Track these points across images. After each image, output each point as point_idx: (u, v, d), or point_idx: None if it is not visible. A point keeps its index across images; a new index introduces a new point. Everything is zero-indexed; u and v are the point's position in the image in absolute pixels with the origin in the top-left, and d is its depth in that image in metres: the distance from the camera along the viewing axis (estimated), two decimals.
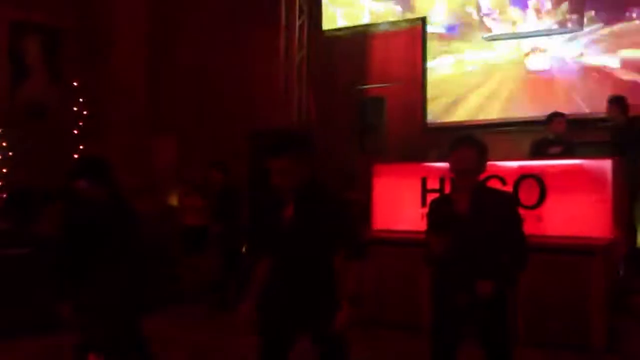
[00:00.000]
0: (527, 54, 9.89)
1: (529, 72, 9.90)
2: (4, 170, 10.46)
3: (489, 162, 3.88)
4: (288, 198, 3.52)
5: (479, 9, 10.23)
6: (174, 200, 10.92)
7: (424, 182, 7.58)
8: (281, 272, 3.56)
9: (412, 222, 7.46)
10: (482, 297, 3.56)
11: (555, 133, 7.98)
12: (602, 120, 8.26)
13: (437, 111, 10.47)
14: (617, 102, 7.87)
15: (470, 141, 3.75)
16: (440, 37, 10.52)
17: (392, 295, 7.33)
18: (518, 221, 3.77)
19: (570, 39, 9.58)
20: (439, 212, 3.81)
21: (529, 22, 9.83)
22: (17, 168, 9.99)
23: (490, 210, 3.64)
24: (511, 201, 3.96)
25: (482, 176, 3.93)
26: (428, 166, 7.74)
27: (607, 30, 9.33)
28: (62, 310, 4.19)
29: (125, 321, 3.93)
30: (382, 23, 11.03)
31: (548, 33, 9.71)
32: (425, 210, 4.16)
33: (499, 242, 3.67)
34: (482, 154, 3.73)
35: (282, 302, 3.53)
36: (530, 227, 6.84)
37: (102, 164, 4.22)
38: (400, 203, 7.81)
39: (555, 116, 8.09)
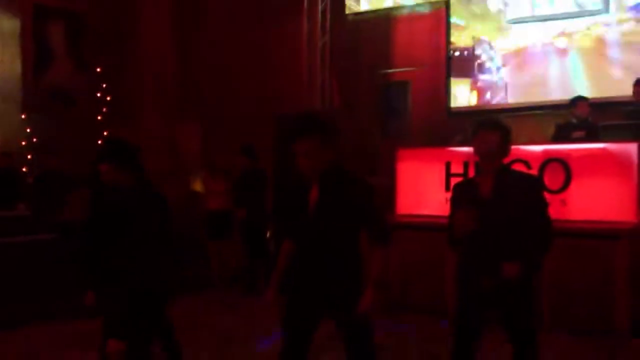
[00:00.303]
0: (552, 38, 9.78)
1: (554, 55, 9.80)
2: (29, 157, 10.58)
3: (514, 146, 3.87)
4: (313, 182, 3.53)
5: None
6: (198, 186, 10.99)
7: (447, 166, 7.55)
8: (306, 256, 3.58)
9: (436, 207, 7.45)
10: (508, 279, 3.55)
11: (579, 117, 7.91)
12: (626, 103, 8.17)
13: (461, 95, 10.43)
14: None
15: (493, 124, 3.74)
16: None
17: (416, 280, 7.34)
18: (543, 204, 3.76)
19: (596, 23, 9.46)
20: (463, 194, 3.80)
21: (554, 5, 9.73)
22: (42, 154, 10.09)
23: (514, 193, 3.63)
24: (536, 184, 3.94)
25: (507, 160, 3.92)
26: (452, 151, 7.71)
27: (632, 14, 9.20)
28: (86, 298, 4.21)
29: (148, 308, 3.85)
30: (406, 6, 10.98)
31: (572, 16, 9.59)
32: (449, 195, 4.17)
33: (523, 226, 3.67)
34: (506, 137, 3.72)
35: (307, 285, 3.55)
36: (554, 212, 6.81)
37: (128, 148, 4.05)
38: (424, 188, 7.79)
39: (578, 100, 8.01)
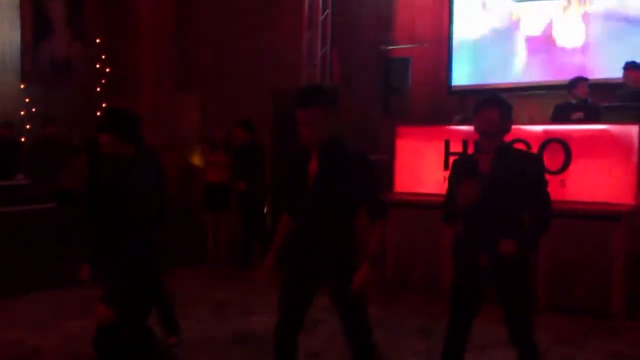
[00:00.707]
0: (551, 18, 9.68)
1: (553, 35, 9.71)
2: (28, 127, 10.55)
3: (514, 126, 3.85)
4: (312, 153, 3.53)
5: None
6: (197, 159, 10.97)
7: (447, 144, 7.55)
8: (303, 228, 3.58)
9: (434, 185, 7.45)
10: (505, 256, 3.55)
11: (579, 97, 7.87)
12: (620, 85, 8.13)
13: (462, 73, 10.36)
14: (634, 67, 7.79)
15: (494, 102, 3.71)
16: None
17: (413, 258, 7.35)
18: (543, 182, 3.74)
19: (595, 4, 9.37)
20: (463, 170, 3.78)
21: None
22: (40, 124, 10.06)
23: (514, 171, 3.61)
24: (536, 162, 3.91)
25: (508, 139, 3.90)
26: (452, 129, 7.69)
27: None
28: (81, 271, 4.13)
29: (144, 283, 3.76)
30: None
31: None
32: (448, 173, 4.15)
33: (521, 204, 3.66)
34: (507, 115, 3.69)
35: (304, 258, 3.55)
36: (553, 192, 6.81)
37: (129, 118, 3.95)
38: (422, 166, 7.78)
39: (578, 80, 7.95)
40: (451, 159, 7.11)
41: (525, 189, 3.62)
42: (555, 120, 7.84)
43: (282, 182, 3.95)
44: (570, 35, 9.46)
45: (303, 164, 3.56)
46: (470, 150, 7.02)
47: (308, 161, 3.54)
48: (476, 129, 3.74)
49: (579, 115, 7.63)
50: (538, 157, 4.13)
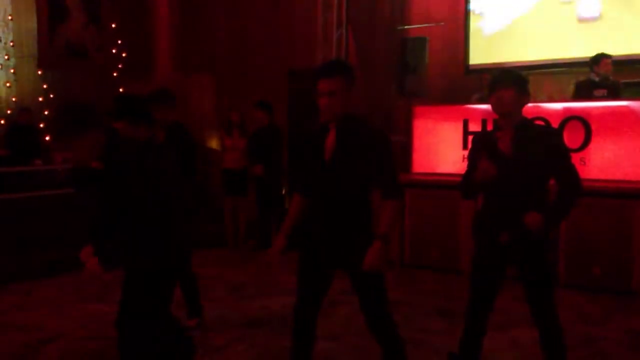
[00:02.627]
0: None
1: (575, 12, 9.57)
2: (46, 113, 10.59)
3: (534, 104, 3.77)
4: (330, 128, 3.48)
5: None
6: (213, 142, 10.97)
7: (465, 124, 7.48)
8: (319, 205, 3.54)
9: (452, 165, 7.41)
10: (531, 229, 3.48)
11: (602, 75, 7.72)
12: None
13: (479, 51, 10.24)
14: None
15: (507, 81, 3.61)
16: None
17: (431, 238, 7.32)
18: (566, 155, 3.66)
19: None
20: (483, 147, 3.71)
21: None
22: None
23: (534, 148, 3.55)
24: (556, 136, 3.82)
25: (528, 114, 3.82)
26: (470, 108, 7.63)
27: None
28: (82, 252, 3.88)
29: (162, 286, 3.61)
30: None
31: None
32: (467, 153, 4.10)
33: (544, 180, 3.60)
34: (522, 91, 3.60)
35: (319, 237, 3.51)
36: None
37: (139, 103, 4.02)
38: (440, 146, 7.73)
39: (602, 57, 7.80)
40: (470, 139, 7.05)
41: (546, 165, 3.56)
42: (577, 97, 7.72)
43: (298, 159, 3.90)
44: (589, 10, 9.30)
45: (320, 139, 3.51)
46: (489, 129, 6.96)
47: (325, 136, 3.49)
48: (493, 109, 3.68)
49: (602, 92, 7.48)
50: (557, 131, 4.03)
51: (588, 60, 7.91)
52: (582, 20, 9.35)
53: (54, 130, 3.78)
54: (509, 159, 3.57)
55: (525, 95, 3.61)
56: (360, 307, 3.54)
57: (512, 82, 3.60)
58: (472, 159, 3.77)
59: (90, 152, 3.36)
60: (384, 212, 3.42)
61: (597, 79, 7.69)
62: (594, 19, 9.24)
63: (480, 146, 3.73)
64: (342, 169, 3.42)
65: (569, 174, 3.61)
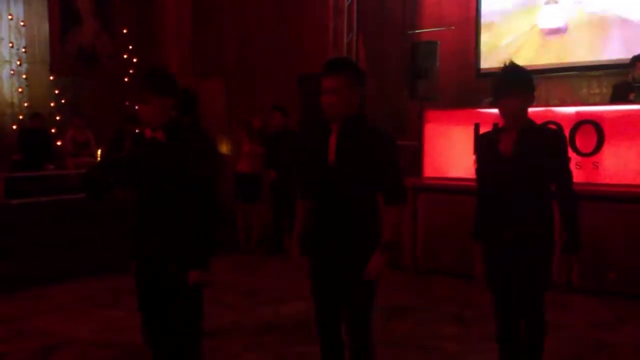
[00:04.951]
0: None
1: (588, 14, 9.53)
2: (57, 118, 10.65)
3: (546, 108, 3.75)
4: (333, 127, 3.38)
5: None
6: (224, 147, 10.97)
7: (476, 128, 7.44)
8: (322, 208, 3.43)
9: (464, 170, 7.37)
10: (530, 230, 3.49)
11: (637, 78, 7.52)
12: None
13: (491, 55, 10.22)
14: None
15: (511, 90, 3.54)
16: None
17: (442, 243, 7.29)
18: (563, 156, 3.63)
19: None
20: (486, 148, 3.71)
21: None
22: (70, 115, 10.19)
23: (536, 149, 3.52)
24: (557, 138, 3.79)
25: (539, 121, 3.80)
26: (481, 112, 7.60)
27: None
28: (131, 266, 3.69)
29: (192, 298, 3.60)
30: None
31: None
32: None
33: (546, 181, 3.58)
34: (526, 95, 3.57)
35: (322, 243, 3.42)
36: (586, 175, 6.74)
37: (167, 75, 3.57)
38: (452, 150, 7.70)
39: (637, 59, 7.60)
40: None
41: (545, 166, 3.53)
42: (614, 100, 7.61)
43: (299, 158, 3.83)
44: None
45: (322, 139, 3.40)
46: None
47: (328, 136, 3.38)
48: (500, 115, 3.66)
49: (632, 95, 7.40)
50: (561, 134, 4.00)
51: (598, 64, 7.84)
52: (596, 24, 9.34)
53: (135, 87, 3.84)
54: (508, 160, 3.55)
55: (529, 98, 3.58)
56: (347, 308, 3.43)
57: (516, 90, 3.54)
58: (477, 158, 3.78)
59: (160, 116, 3.40)
60: (386, 218, 3.36)
61: (632, 82, 7.54)
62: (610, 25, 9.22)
63: (483, 148, 3.75)
64: (346, 171, 3.31)
65: (562, 177, 3.59)
